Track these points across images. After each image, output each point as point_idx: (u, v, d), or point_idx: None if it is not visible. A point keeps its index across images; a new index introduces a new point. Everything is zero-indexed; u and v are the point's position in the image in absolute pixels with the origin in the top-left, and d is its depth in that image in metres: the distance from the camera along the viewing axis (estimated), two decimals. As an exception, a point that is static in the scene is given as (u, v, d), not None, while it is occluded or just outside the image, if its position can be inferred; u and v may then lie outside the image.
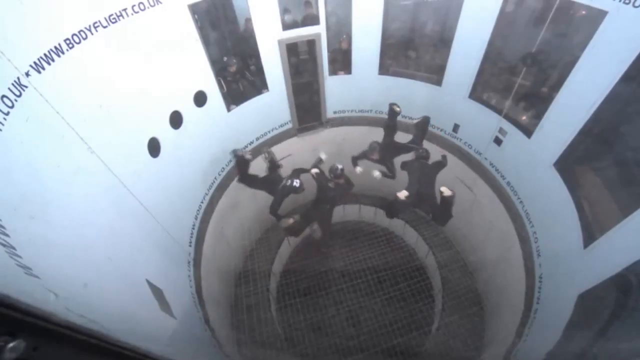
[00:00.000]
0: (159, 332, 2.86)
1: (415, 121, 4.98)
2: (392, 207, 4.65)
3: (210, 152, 4.73)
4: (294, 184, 4.34)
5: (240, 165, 4.77)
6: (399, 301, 6.00)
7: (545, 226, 4.08)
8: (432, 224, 6.80)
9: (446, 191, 3.94)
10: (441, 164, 4.50)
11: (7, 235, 1.64)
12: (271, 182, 4.66)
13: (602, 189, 3.49)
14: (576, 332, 3.19)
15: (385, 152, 4.78)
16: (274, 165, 4.83)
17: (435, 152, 5.66)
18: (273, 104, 5.42)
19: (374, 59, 5.30)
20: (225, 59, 4.91)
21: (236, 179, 5.00)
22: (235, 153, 4.64)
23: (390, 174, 4.90)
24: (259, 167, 4.97)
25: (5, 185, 1.78)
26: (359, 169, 4.84)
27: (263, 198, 4.99)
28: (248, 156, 4.67)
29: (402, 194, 4.09)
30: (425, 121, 4.95)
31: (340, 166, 4.43)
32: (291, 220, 4.52)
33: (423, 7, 5.44)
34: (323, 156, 4.79)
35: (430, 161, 4.57)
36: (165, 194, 3.72)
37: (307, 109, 5.85)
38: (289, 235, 5.32)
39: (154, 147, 3.53)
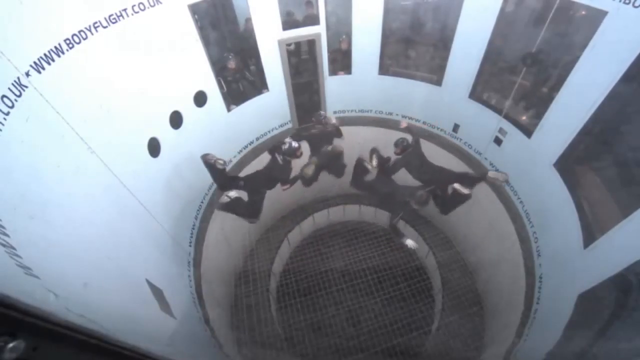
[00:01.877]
0: (159, 332, 2.86)
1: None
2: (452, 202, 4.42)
3: (211, 152, 4.72)
4: (293, 145, 4.12)
5: (217, 175, 4.23)
6: (399, 301, 5.99)
7: (545, 226, 4.08)
8: (432, 224, 6.82)
9: (462, 190, 4.01)
10: (417, 141, 4.38)
11: (7, 235, 1.64)
12: (272, 169, 4.30)
13: (602, 189, 3.49)
14: (576, 332, 3.19)
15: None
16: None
17: (434, 152, 5.70)
18: (273, 104, 5.42)
19: (374, 59, 5.30)
20: (224, 54, 4.91)
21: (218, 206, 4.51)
22: (204, 158, 4.07)
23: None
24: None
25: (5, 185, 1.78)
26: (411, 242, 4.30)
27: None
28: (220, 164, 4.15)
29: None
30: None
31: (323, 112, 4.55)
32: (311, 170, 4.33)
33: (423, 7, 5.43)
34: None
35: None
36: (165, 194, 3.73)
37: (307, 109, 5.85)
38: (306, 184, 4.83)
39: (154, 147, 3.53)
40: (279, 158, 4.21)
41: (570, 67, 3.38)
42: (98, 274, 2.33)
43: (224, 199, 4.20)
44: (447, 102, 5.11)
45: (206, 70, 4.29)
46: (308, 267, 6.51)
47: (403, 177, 4.76)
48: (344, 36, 5.20)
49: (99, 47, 2.70)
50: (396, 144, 4.37)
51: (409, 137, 4.42)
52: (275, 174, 4.31)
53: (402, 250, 6.93)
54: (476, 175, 4.40)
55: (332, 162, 4.82)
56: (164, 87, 3.60)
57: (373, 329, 5.68)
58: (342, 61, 5.47)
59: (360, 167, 4.60)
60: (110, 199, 2.79)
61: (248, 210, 4.48)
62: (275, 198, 6.60)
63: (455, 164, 5.43)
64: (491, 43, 4.17)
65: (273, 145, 4.47)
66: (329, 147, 4.55)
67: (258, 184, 4.43)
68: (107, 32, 2.79)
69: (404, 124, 4.54)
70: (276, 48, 4.81)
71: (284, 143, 4.14)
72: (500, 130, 4.54)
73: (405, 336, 5.51)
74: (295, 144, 4.12)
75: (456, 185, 4.07)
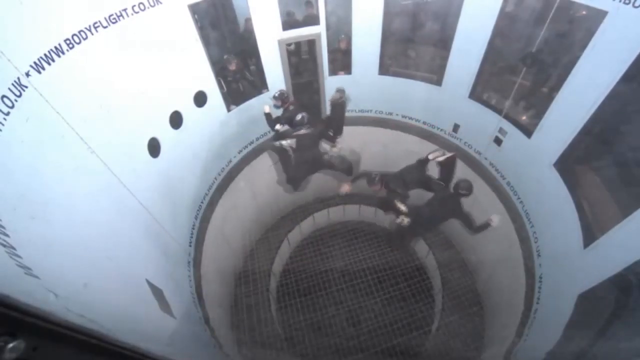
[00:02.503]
0: (159, 332, 2.86)
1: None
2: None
3: (210, 152, 4.72)
4: (305, 115, 4.61)
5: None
6: (399, 301, 6.00)
7: (545, 226, 4.08)
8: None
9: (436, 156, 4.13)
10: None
11: (7, 235, 1.64)
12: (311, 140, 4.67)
13: (602, 189, 3.49)
14: (576, 332, 3.19)
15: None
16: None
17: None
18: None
19: (374, 59, 5.30)
20: (225, 56, 4.92)
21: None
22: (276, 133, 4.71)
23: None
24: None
25: (6, 185, 1.78)
26: None
27: (263, 198, 4.96)
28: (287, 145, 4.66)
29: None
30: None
31: (283, 89, 4.90)
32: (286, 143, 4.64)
33: (423, 7, 5.43)
34: (267, 110, 4.93)
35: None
36: (165, 194, 3.72)
37: (307, 108, 5.85)
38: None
39: (154, 147, 3.53)
40: (304, 131, 4.55)
41: (570, 67, 3.38)
42: (98, 274, 2.33)
43: (278, 143, 4.60)
44: (447, 102, 5.11)
45: (206, 70, 4.29)
46: (308, 267, 6.51)
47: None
48: (342, 35, 5.20)
49: (99, 47, 2.70)
50: (374, 183, 4.27)
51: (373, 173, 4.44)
52: (316, 140, 4.72)
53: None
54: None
55: (333, 117, 5.16)
56: (164, 87, 3.60)
57: (373, 329, 5.68)
58: (342, 61, 5.46)
59: (401, 230, 4.66)
60: (110, 199, 2.79)
61: (291, 170, 4.85)
62: (275, 198, 6.63)
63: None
64: (491, 43, 4.17)
65: (275, 139, 4.77)
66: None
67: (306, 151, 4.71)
68: (107, 32, 2.79)
69: (346, 189, 4.56)
70: (276, 48, 4.81)
71: (299, 116, 4.61)
72: (500, 130, 4.54)
73: (405, 336, 5.52)
74: (305, 114, 4.60)
75: (431, 156, 4.19)
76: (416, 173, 4.42)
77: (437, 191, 4.29)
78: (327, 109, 5.50)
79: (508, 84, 4.35)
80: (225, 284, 5.65)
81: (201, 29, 4.05)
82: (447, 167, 4.30)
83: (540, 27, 3.67)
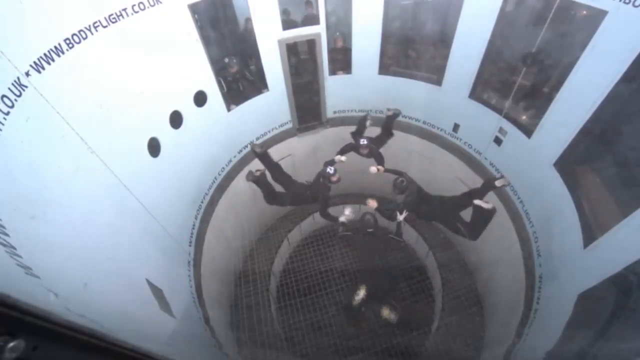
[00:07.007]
0: (159, 332, 2.86)
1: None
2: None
3: (210, 152, 4.73)
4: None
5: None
6: (399, 301, 5.99)
7: (545, 226, 4.08)
8: (432, 224, 6.78)
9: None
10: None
11: (7, 235, 1.64)
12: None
13: (602, 188, 3.49)
14: (576, 332, 3.19)
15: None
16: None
17: (434, 152, 5.69)
18: (273, 104, 5.42)
19: (374, 59, 5.30)
20: (226, 60, 4.91)
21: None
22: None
23: None
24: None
25: (5, 185, 1.78)
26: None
27: (263, 199, 4.95)
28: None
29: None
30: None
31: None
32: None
33: (423, 6, 5.42)
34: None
35: None
36: (165, 194, 3.73)
37: (307, 108, 5.85)
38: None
39: (154, 147, 3.53)
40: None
41: (570, 67, 3.38)
42: (98, 273, 2.33)
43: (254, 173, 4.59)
44: (447, 102, 5.11)
45: (206, 70, 4.29)
46: (308, 267, 6.50)
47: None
48: (337, 33, 5.20)
49: (99, 47, 2.70)
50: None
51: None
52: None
53: (402, 250, 6.92)
54: (483, 186, 4.24)
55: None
56: (163, 87, 3.61)
57: (373, 329, 5.68)
58: (342, 61, 5.46)
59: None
60: (110, 199, 2.79)
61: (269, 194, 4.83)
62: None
63: (455, 164, 5.44)
64: (491, 43, 4.17)
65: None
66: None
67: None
68: (107, 32, 2.79)
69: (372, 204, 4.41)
70: (276, 48, 4.81)
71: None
72: (500, 130, 4.54)
73: (405, 336, 5.51)
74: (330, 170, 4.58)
75: (477, 202, 3.81)
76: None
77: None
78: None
79: (508, 84, 4.35)
80: (225, 283, 5.65)
81: (201, 29, 4.05)
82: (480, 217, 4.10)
83: (540, 27, 3.67)
